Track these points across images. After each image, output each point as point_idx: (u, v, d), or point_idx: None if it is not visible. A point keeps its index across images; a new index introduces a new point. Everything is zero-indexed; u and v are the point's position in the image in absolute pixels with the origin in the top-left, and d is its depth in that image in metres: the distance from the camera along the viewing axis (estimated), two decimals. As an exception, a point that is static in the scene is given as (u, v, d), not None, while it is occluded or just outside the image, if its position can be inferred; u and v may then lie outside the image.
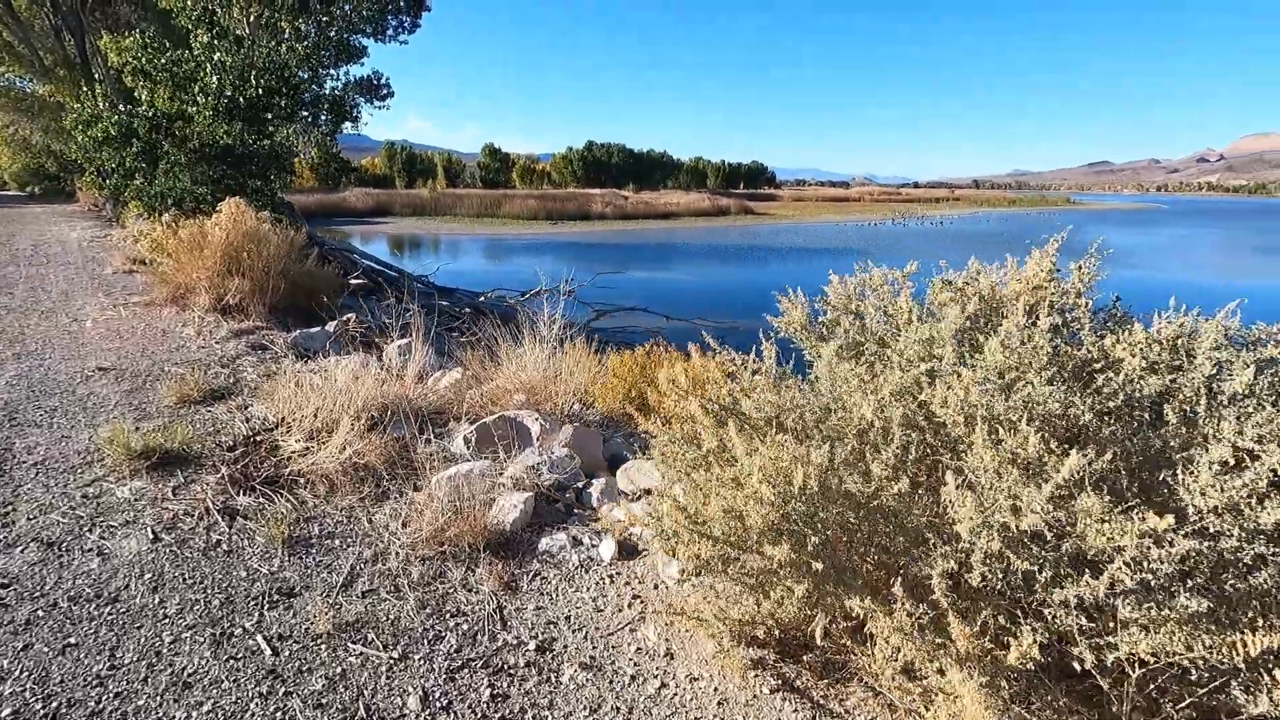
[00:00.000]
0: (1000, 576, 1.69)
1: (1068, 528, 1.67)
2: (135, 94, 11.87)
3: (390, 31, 17.39)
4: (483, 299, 14.16)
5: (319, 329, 6.42)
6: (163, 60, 11.39)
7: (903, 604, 1.64)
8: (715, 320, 15.21)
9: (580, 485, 3.29)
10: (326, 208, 41.86)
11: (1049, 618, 1.68)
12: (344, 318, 6.83)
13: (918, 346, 2.23)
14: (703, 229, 44.76)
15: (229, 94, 11.20)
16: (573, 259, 28.93)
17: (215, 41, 11.62)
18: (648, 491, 3.24)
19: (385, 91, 17.48)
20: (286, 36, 16.01)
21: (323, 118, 16.82)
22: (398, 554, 2.78)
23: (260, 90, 11.51)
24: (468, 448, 3.61)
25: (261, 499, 3.21)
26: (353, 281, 11.62)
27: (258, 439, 3.84)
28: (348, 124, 16.63)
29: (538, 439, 3.65)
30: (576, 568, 2.71)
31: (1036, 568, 1.64)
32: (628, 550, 2.78)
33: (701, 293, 20.76)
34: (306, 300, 7.85)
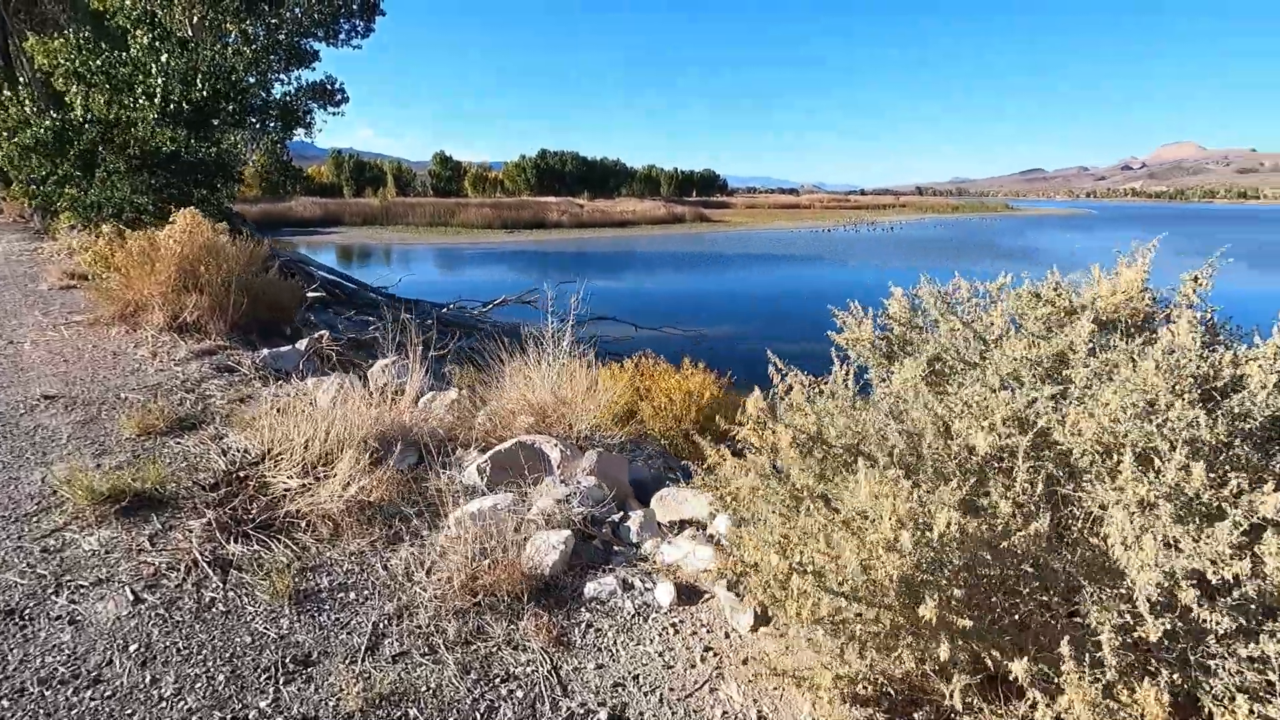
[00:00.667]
0: (1170, 629, 1.50)
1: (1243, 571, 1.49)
2: (66, 98, 11.07)
3: (343, 35, 16.77)
4: (445, 310, 13.67)
5: (289, 348, 5.96)
6: (98, 62, 10.64)
7: (1073, 664, 1.43)
8: (684, 328, 15.07)
9: (616, 518, 3.01)
10: (272, 217, 40.14)
11: (1226, 675, 1.50)
12: (316, 335, 6.38)
13: (1017, 365, 2.05)
14: (660, 236, 44.79)
15: (174, 98, 10.53)
16: (532, 268, 28.49)
17: (158, 43, 10.92)
18: (689, 523, 2.99)
19: (339, 97, 16.83)
20: (232, 39, 15.26)
21: (272, 124, 16.08)
22: (426, 608, 2.46)
23: (206, 94, 10.87)
24: (482, 479, 3.30)
25: (256, 546, 2.83)
26: (309, 294, 11.02)
27: (242, 475, 3.44)
28: (300, 130, 15.93)
29: (559, 466, 3.36)
30: (633, 616, 2.43)
31: (1217, 619, 1.46)
32: (686, 593, 2.52)
33: (667, 300, 20.64)
34: (269, 315, 7.34)
